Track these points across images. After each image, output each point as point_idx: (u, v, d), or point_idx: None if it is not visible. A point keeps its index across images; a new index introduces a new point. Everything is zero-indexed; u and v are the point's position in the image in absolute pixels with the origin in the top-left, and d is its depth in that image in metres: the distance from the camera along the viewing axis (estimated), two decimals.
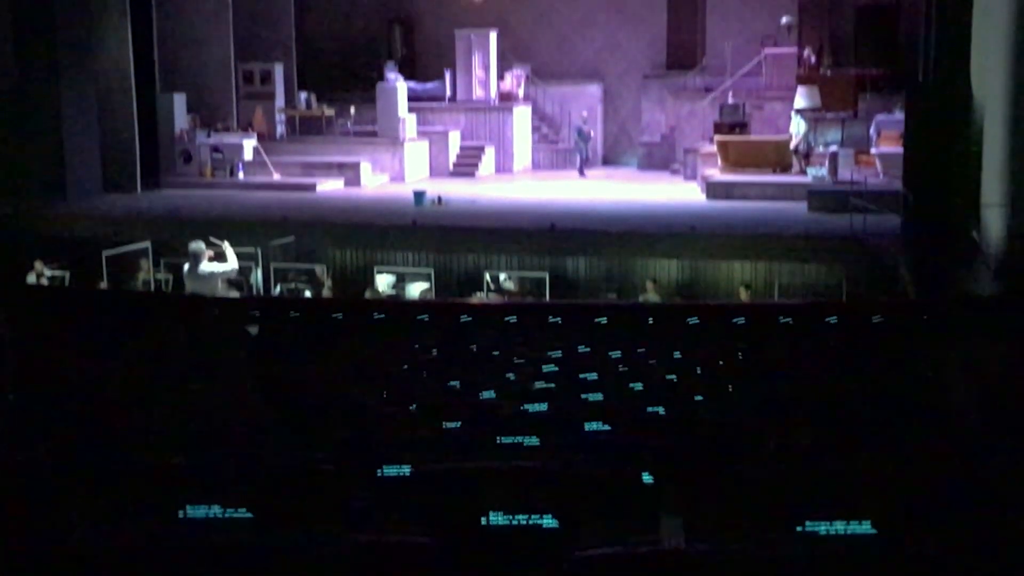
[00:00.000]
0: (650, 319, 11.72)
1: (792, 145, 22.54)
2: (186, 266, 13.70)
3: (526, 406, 5.80)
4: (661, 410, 6.03)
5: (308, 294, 17.04)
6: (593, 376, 7.63)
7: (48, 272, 17.70)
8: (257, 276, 17.18)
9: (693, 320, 11.14)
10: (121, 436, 5.12)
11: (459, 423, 5.54)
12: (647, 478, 3.90)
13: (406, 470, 3.86)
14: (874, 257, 15.80)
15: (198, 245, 13.62)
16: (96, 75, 22.96)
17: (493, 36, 28.38)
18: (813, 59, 25.85)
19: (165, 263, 18.02)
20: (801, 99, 22.85)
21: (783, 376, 8.27)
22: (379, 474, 3.87)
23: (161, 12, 25.67)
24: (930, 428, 6.07)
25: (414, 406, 6.45)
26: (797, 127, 22.74)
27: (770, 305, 14.37)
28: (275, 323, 11.06)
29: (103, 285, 16.57)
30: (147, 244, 17.84)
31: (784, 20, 26.91)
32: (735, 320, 11.22)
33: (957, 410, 6.85)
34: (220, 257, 13.79)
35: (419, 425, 5.68)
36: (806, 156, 22.19)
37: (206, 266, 13.33)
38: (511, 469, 3.89)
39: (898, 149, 18.80)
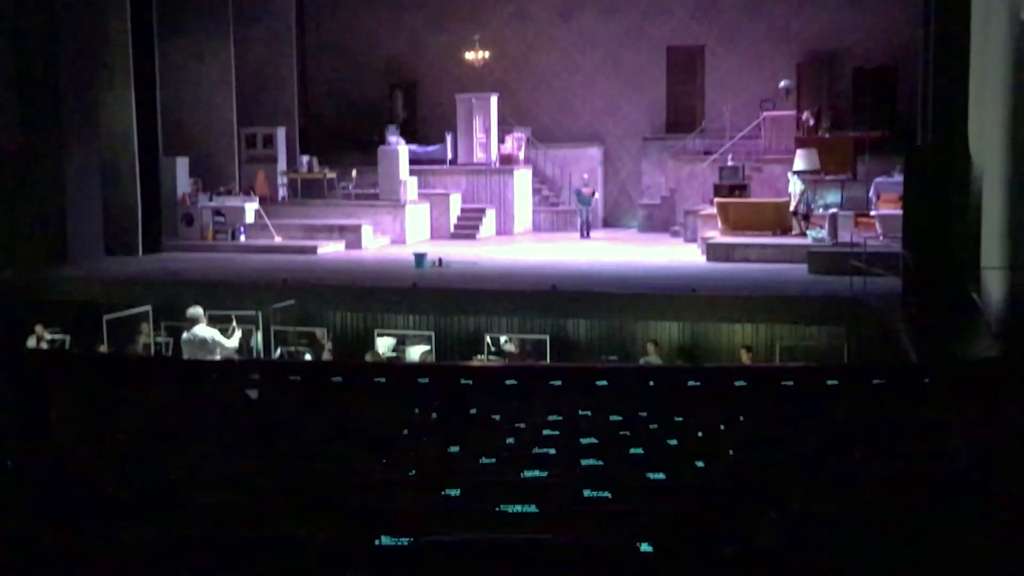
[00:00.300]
0: (651, 382, 11.68)
1: (792, 207, 22.63)
2: (185, 332, 13.77)
3: (526, 472, 5.77)
4: (661, 476, 6.00)
5: (308, 357, 17.01)
6: (593, 441, 7.59)
7: (48, 336, 17.70)
8: (258, 339, 17.17)
9: (694, 383, 11.11)
10: (121, 506, 5.10)
11: (459, 491, 5.50)
12: (646, 548, 3.87)
13: (405, 541, 3.83)
14: (875, 319, 15.80)
15: (196, 310, 13.71)
16: (100, 139, 23.12)
17: (494, 100, 28.62)
18: (812, 122, 26.06)
19: (166, 327, 18.01)
20: (800, 162, 22.99)
21: (785, 440, 8.24)
22: (378, 545, 3.84)
23: (165, 77, 25.94)
24: (932, 490, 6.04)
25: (413, 472, 6.41)
26: (794, 187, 22.88)
27: (771, 368, 14.34)
28: (275, 387, 11.04)
29: (103, 349, 16.55)
30: (148, 308, 17.84)
31: (782, 84, 27.17)
32: (736, 383, 11.18)
33: (959, 472, 6.82)
34: (225, 332, 13.90)
35: (419, 493, 5.65)
36: (805, 217, 22.27)
37: (205, 330, 13.37)
38: (510, 541, 3.86)
39: (898, 211, 18.86)
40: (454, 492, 5.47)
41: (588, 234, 26.84)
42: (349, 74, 31.55)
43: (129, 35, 23.53)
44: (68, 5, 22.02)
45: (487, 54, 28.84)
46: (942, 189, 15.09)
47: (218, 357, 13.49)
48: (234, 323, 14.06)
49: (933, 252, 14.92)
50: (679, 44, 29.41)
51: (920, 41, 19.01)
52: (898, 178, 21.02)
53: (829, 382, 10.96)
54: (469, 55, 28.81)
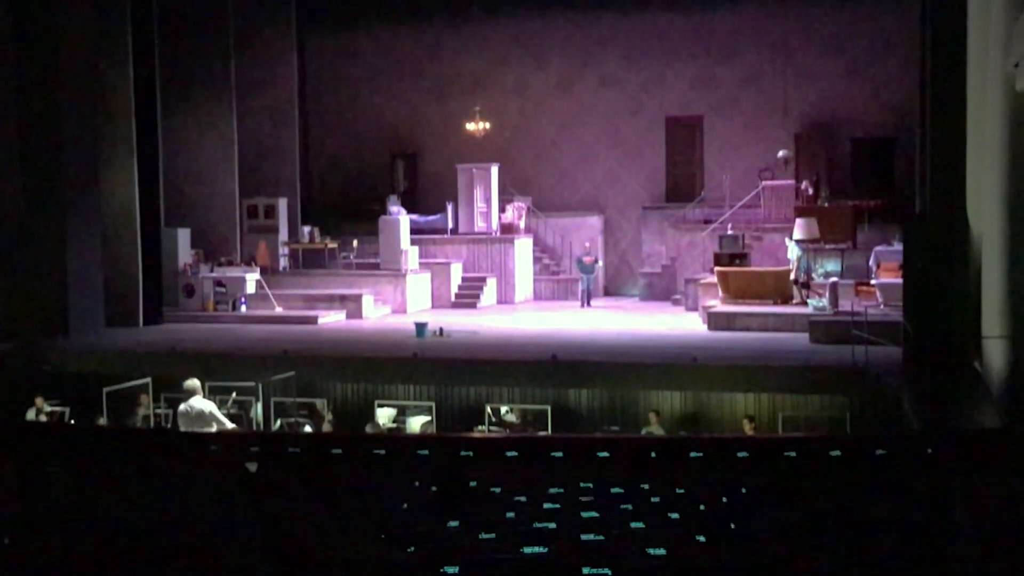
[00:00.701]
0: (653, 453, 11.59)
1: (792, 276, 22.66)
2: (182, 405, 13.84)
3: (525, 549, 5.71)
4: (663, 552, 5.93)
5: (308, 429, 16.93)
6: (594, 515, 7.52)
7: (48, 408, 17.65)
8: (257, 410, 17.11)
9: (696, 454, 11.02)
10: None
11: (458, 568, 5.44)
12: None
13: None
14: (877, 388, 15.73)
15: (193, 382, 13.78)
16: (102, 211, 23.24)
17: (494, 170, 28.82)
18: (811, 191, 26.22)
19: (166, 398, 17.96)
20: (800, 231, 23.06)
21: (786, 512, 8.16)
22: None
23: (168, 148, 26.18)
24: (935, 561, 5.97)
25: (412, 549, 6.34)
26: (792, 253, 22.98)
27: (773, 439, 14.24)
28: (274, 460, 10.95)
29: (103, 421, 16.49)
30: (147, 380, 17.81)
31: (781, 153, 27.39)
32: (738, 454, 11.09)
33: (962, 543, 6.75)
34: (225, 404, 14.01)
35: (418, 571, 5.58)
36: (805, 285, 22.28)
37: (202, 403, 13.42)
38: None
39: (898, 280, 18.88)
40: (453, 570, 5.41)
41: (589, 303, 26.86)
42: (351, 145, 31.83)
43: (132, 108, 23.75)
44: (72, 78, 22.23)
45: (488, 125, 29.09)
46: (941, 258, 15.11)
47: (214, 429, 13.48)
48: (233, 395, 14.10)
49: (934, 321, 14.91)
50: (678, 114, 29.70)
51: (917, 110, 19.15)
52: (898, 247, 21.10)
53: (832, 453, 10.87)
54: (470, 126, 29.06)
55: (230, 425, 13.70)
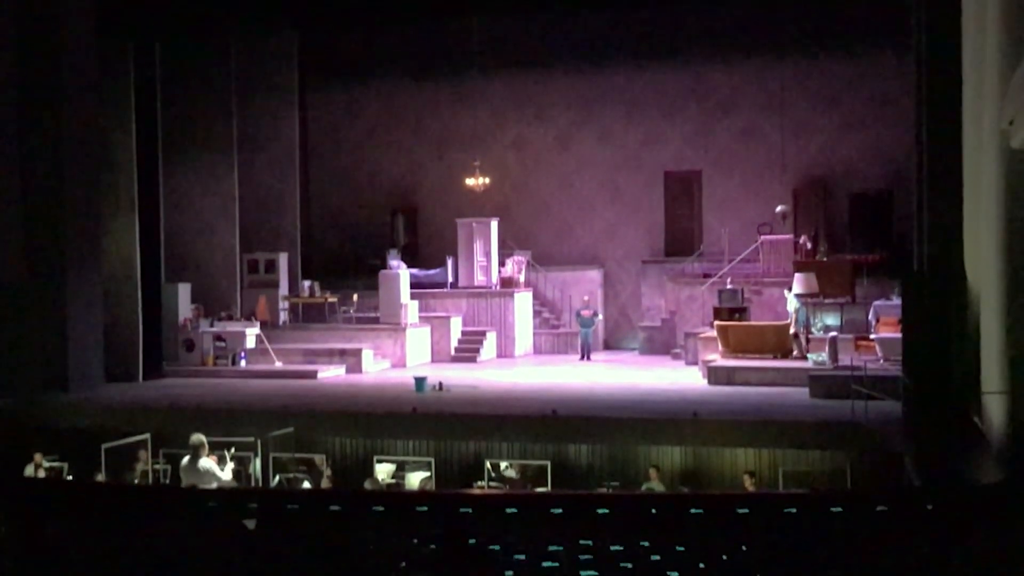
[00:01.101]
0: (653, 510, 11.55)
1: (791, 330, 22.67)
2: (185, 459, 13.83)
3: None
4: None
5: (307, 484, 16.87)
6: (593, 573, 7.48)
7: (46, 463, 17.60)
8: (256, 466, 17.06)
9: (696, 511, 10.98)
10: None
11: None
12: None
13: None
14: (877, 444, 15.70)
15: (199, 438, 13.78)
16: (102, 266, 23.30)
17: (494, 224, 28.96)
18: (809, 245, 26.31)
19: (164, 454, 17.92)
20: (798, 285, 23.11)
21: (788, 570, 8.12)
22: None
23: (169, 203, 26.31)
24: None
25: None
26: (791, 304, 23.07)
27: (773, 495, 14.19)
28: (273, 517, 10.91)
29: (101, 477, 16.43)
30: (146, 436, 17.78)
31: (779, 208, 27.53)
32: (739, 510, 11.05)
33: None
34: (220, 460, 14.03)
35: None
36: (806, 340, 22.29)
37: (205, 462, 13.45)
38: None
39: (897, 334, 18.89)
40: None
41: (589, 356, 26.86)
42: (351, 199, 32.00)
43: (134, 163, 23.92)
44: (75, 133, 22.38)
45: (487, 180, 29.26)
46: (940, 313, 15.14)
47: (214, 486, 13.47)
48: (232, 450, 14.13)
49: (933, 376, 14.91)
50: (676, 169, 29.91)
51: (914, 166, 19.28)
52: (897, 301, 21.12)
53: (832, 508, 10.84)
54: (469, 181, 29.23)
55: (226, 478, 13.71)
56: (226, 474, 13.91)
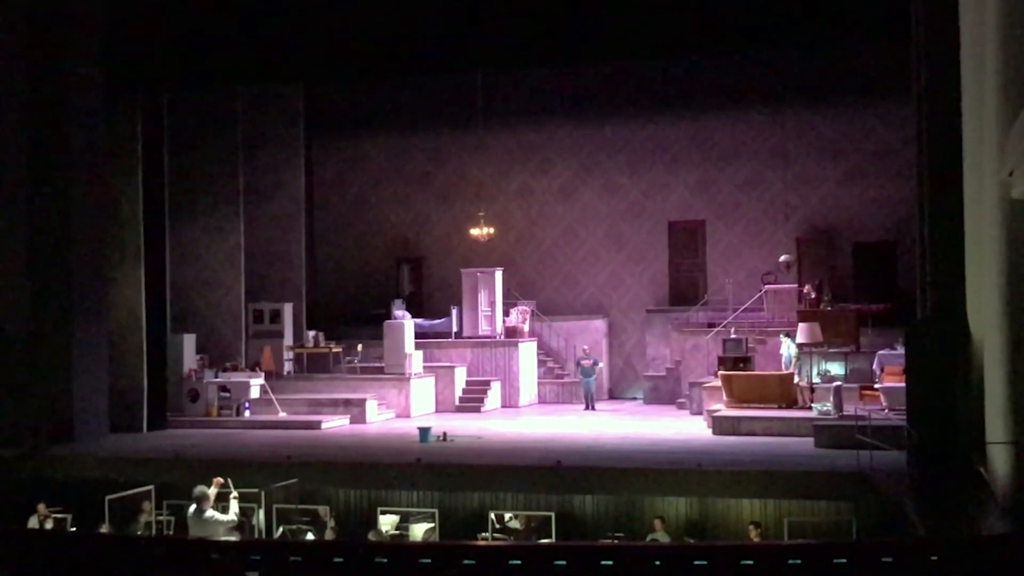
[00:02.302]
0: (657, 562, 11.51)
1: (796, 379, 22.67)
2: (190, 509, 13.88)
3: None
4: None
5: (311, 536, 16.82)
6: None
7: (50, 515, 17.57)
8: (259, 518, 17.01)
9: (700, 562, 10.95)
10: None
11: None
12: None
13: None
14: (881, 494, 15.64)
15: (202, 489, 13.85)
16: (108, 317, 23.38)
17: (499, 274, 29.08)
18: (813, 295, 26.36)
19: (168, 505, 17.89)
20: (802, 335, 23.15)
21: None
22: None
23: (175, 254, 26.45)
24: None
25: None
26: (786, 349, 23.16)
27: (778, 546, 14.14)
28: (276, 569, 10.90)
29: (104, 528, 16.40)
30: (150, 488, 17.76)
31: (783, 257, 27.64)
32: (744, 562, 11.02)
33: None
34: (223, 498, 14.07)
35: None
36: (810, 390, 22.29)
37: (210, 512, 13.50)
38: None
39: (902, 384, 18.87)
40: None
41: (593, 406, 26.82)
42: (357, 250, 32.18)
43: (141, 214, 24.08)
44: (82, 185, 22.56)
45: (492, 230, 29.41)
46: (943, 363, 15.15)
47: (221, 534, 13.49)
48: (233, 492, 14.19)
49: (937, 426, 14.90)
50: (680, 219, 30.05)
51: (916, 216, 19.36)
52: (901, 351, 21.11)
53: (837, 560, 10.80)
54: (474, 231, 29.38)
55: (229, 519, 13.84)
56: (230, 514, 14.00)
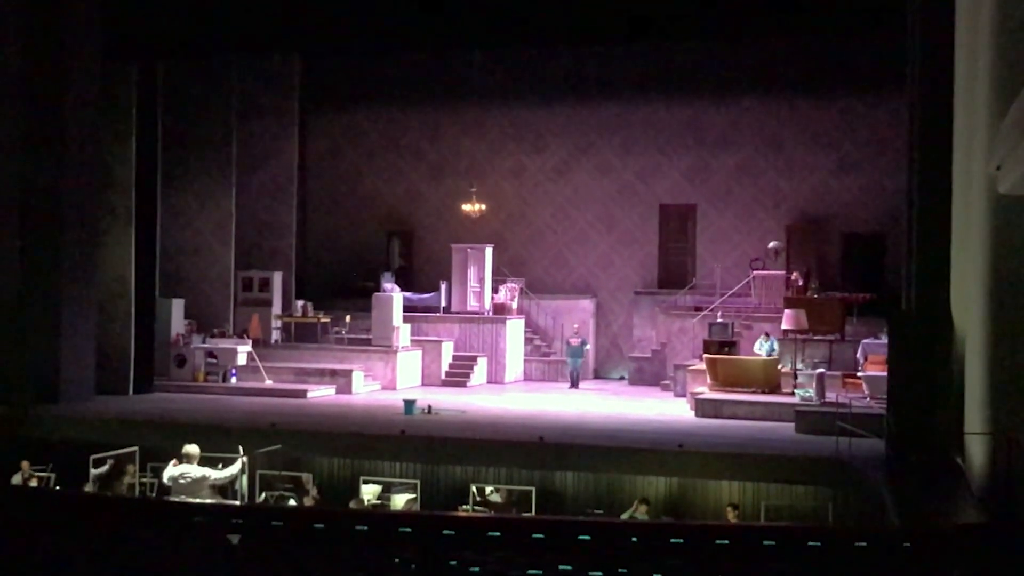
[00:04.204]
0: (634, 538, 11.65)
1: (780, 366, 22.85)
2: (175, 469, 14.03)
3: None
4: None
5: (292, 502, 16.94)
6: None
7: (34, 474, 17.65)
8: (242, 483, 17.11)
9: (677, 540, 11.08)
10: None
11: None
12: None
13: None
14: (859, 481, 15.81)
15: (193, 448, 14.06)
16: (98, 280, 23.42)
17: (489, 251, 29.16)
18: (800, 282, 26.47)
19: (152, 467, 17.98)
20: (788, 321, 23.30)
21: None
22: None
23: (166, 220, 26.47)
24: None
25: None
26: (760, 347, 23.51)
27: (753, 527, 14.30)
28: (257, 533, 11.00)
29: (88, 488, 16.50)
30: (135, 449, 17.85)
31: (772, 244, 27.75)
32: (719, 542, 11.15)
33: None
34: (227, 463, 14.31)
35: None
36: (794, 376, 22.45)
37: (199, 470, 13.67)
38: None
39: (884, 373, 19.04)
40: None
41: (577, 385, 26.96)
42: (348, 221, 32.20)
43: (133, 179, 24.10)
44: (75, 149, 22.55)
45: (483, 206, 29.46)
46: (925, 354, 15.30)
47: (206, 492, 13.67)
48: (220, 465, 14.38)
49: (916, 415, 15.05)
50: (671, 203, 30.13)
51: (905, 207, 19.48)
52: (885, 340, 21.27)
53: (811, 543, 10.94)
54: (466, 207, 29.43)
55: (230, 474, 14.07)
56: (232, 469, 14.31)
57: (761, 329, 25.35)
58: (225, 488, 15.02)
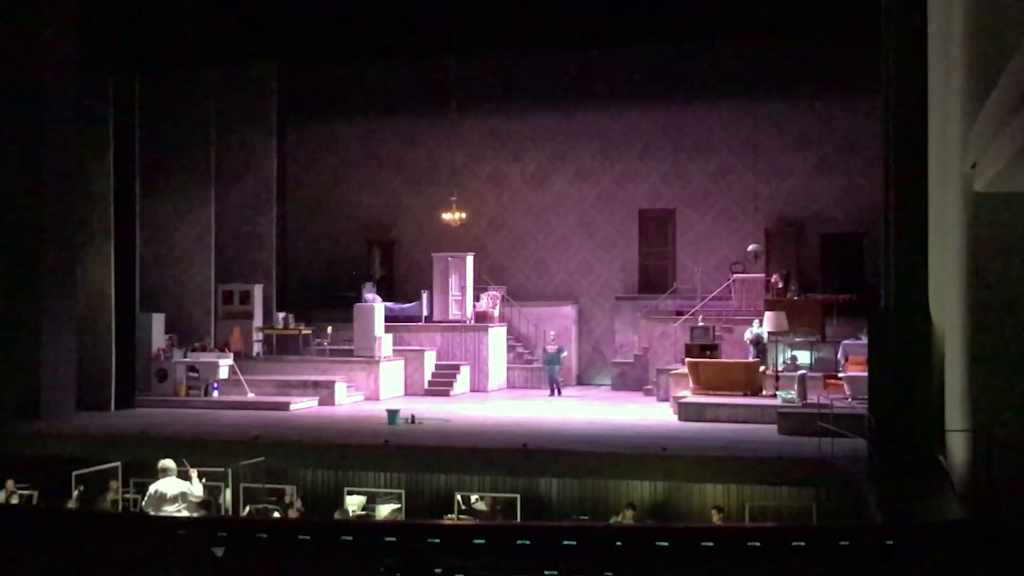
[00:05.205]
0: (619, 542, 11.69)
1: (762, 368, 22.91)
2: (153, 486, 13.99)
3: None
4: None
5: (277, 515, 16.91)
6: None
7: (17, 491, 17.57)
8: (226, 496, 17.08)
9: (662, 543, 11.13)
10: None
11: None
12: None
13: None
14: (842, 481, 15.88)
15: (168, 462, 13.99)
16: (78, 295, 23.32)
17: (470, 259, 29.18)
18: (780, 284, 26.57)
19: (135, 483, 17.91)
20: (769, 323, 23.39)
21: None
22: None
23: (145, 233, 26.38)
24: None
25: None
26: (748, 335, 23.68)
27: (738, 528, 14.36)
28: (242, 545, 10.99)
29: (71, 504, 16.43)
30: (117, 464, 17.79)
31: (751, 247, 27.84)
32: (704, 544, 11.21)
33: None
34: (184, 476, 14.23)
35: None
36: (776, 378, 22.53)
37: (177, 485, 13.61)
38: None
39: (865, 373, 19.11)
40: None
41: (558, 392, 26.94)
42: (328, 232, 32.16)
43: (112, 192, 24.03)
44: (53, 162, 22.48)
45: (464, 215, 29.46)
46: (905, 353, 15.37)
47: (182, 508, 13.62)
48: (203, 480, 14.34)
49: (897, 414, 15.11)
50: (651, 208, 30.17)
51: (882, 207, 19.58)
52: (865, 340, 21.36)
53: (795, 543, 11.01)
54: (446, 215, 29.43)
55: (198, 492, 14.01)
56: (197, 488, 14.22)
57: (742, 331, 25.41)
58: (210, 504, 15.00)
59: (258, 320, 28.56)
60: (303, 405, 24.49)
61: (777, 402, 21.05)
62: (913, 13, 16.10)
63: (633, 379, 27.75)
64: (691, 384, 22.91)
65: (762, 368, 23.15)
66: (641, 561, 10.37)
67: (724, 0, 21.44)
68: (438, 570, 9.66)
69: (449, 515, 17.41)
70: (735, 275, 27.60)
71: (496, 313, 29.17)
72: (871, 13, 19.15)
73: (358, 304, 27.53)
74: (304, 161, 32.41)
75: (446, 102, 30.32)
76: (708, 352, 24.16)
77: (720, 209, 29.46)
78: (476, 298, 29.16)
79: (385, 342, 26.95)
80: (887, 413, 15.35)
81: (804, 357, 24.19)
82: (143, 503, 14.27)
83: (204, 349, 26.47)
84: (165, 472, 14.05)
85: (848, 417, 17.42)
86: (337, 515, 16.97)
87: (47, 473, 18.56)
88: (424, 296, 29.16)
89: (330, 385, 25.23)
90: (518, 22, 22.58)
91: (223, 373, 25.31)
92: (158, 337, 26.09)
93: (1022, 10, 11.17)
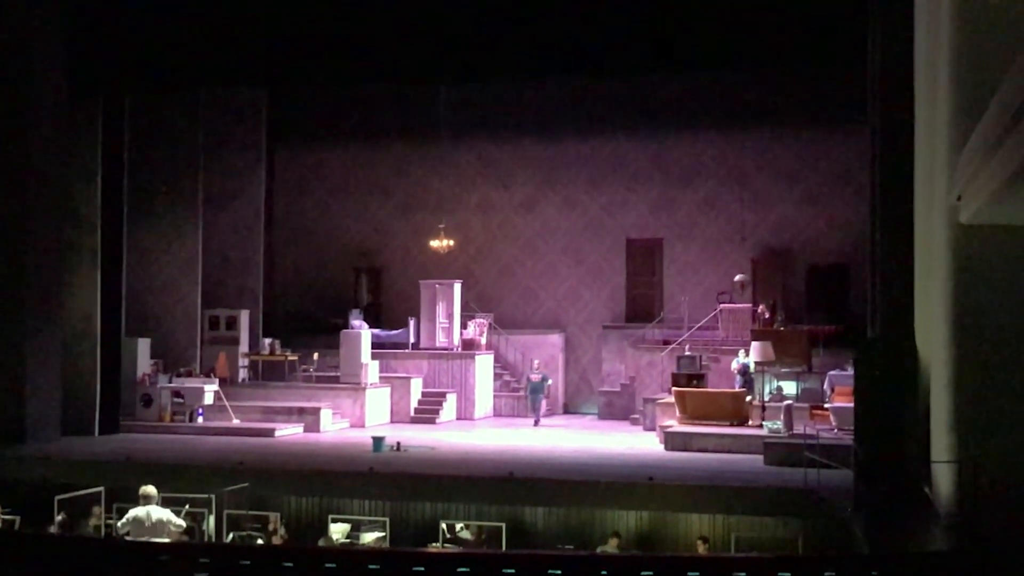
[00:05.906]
0: (604, 572, 11.63)
1: (749, 397, 22.92)
2: (134, 512, 13.88)
3: None
4: None
5: (260, 542, 16.80)
6: None
7: (0, 515, 17.44)
8: (209, 523, 16.98)
9: (647, 573, 11.08)
10: None
11: None
12: None
13: None
14: (828, 511, 15.86)
15: (150, 489, 13.86)
16: (63, 319, 23.24)
17: (457, 286, 29.19)
18: (767, 315, 26.65)
19: (118, 508, 17.78)
20: (755, 353, 23.42)
21: None
22: None
23: (132, 258, 26.33)
24: None
25: None
26: (736, 364, 23.72)
27: (723, 558, 14.32)
28: (225, 572, 10.92)
29: (54, 530, 16.31)
30: (100, 489, 17.67)
31: (738, 277, 27.94)
32: (690, 573, 11.16)
33: None
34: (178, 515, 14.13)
35: None
36: (762, 408, 22.54)
37: (157, 512, 13.50)
38: None
39: (851, 404, 19.12)
40: None
41: (537, 421, 26.80)
42: (315, 258, 32.16)
43: (99, 217, 23.99)
44: (40, 187, 22.45)
45: (451, 242, 29.51)
46: (891, 384, 15.38)
47: (163, 537, 13.50)
48: (187, 506, 14.20)
49: (884, 445, 15.12)
50: (638, 237, 30.27)
51: (868, 239, 19.68)
52: (851, 371, 21.39)
53: (781, 574, 10.97)
54: (434, 243, 29.47)
55: (180, 523, 13.83)
56: (180, 520, 14.05)
57: (729, 361, 25.45)
58: (192, 530, 14.91)
59: (244, 346, 28.50)
60: (288, 432, 24.40)
61: (763, 432, 21.05)
62: (899, 47, 16.25)
63: (620, 408, 27.75)
64: (678, 414, 22.91)
65: (748, 398, 23.18)
66: None
67: (712, 33, 21.56)
68: None
69: (434, 543, 17.32)
70: (722, 305, 27.68)
71: (483, 341, 29.15)
72: (858, 46, 19.33)
73: (345, 331, 27.49)
74: (292, 187, 32.43)
75: (435, 129, 30.43)
76: (695, 382, 24.17)
77: (707, 239, 29.55)
78: (463, 326, 29.16)
79: (371, 369, 26.90)
80: (873, 444, 15.35)
81: (790, 387, 24.20)
82: (118, 525, 14.14)
83: (190, 375, 26.38)
84: (147, 499, 13.93)
85: (834, 448, 17.41)
86: (321, 542, 16.86)
87: (30, 498, 18.41)
88: (411, 323, 29.14)
89: (315, 412, 25.15)
90: (508, 51, 22.70)
91: (208, 399, 25.21)
92: (143, 362, 26.00)
93: (1007, 46, 11.28)
